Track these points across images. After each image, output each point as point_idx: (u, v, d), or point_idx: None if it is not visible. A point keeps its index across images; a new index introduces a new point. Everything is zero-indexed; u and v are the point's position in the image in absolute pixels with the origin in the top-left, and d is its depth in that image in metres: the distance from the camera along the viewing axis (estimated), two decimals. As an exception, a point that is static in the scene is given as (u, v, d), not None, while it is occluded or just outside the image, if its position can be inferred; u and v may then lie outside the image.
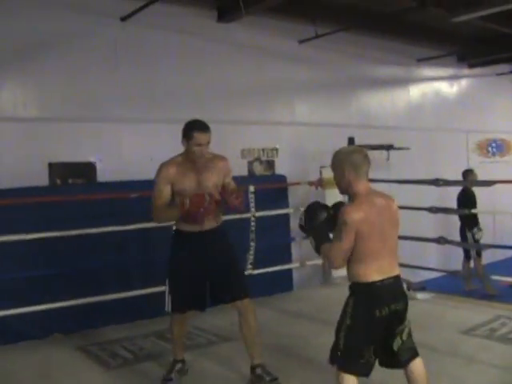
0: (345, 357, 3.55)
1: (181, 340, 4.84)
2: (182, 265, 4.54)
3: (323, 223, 3.75)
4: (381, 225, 3.50)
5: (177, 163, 4.50)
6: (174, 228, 4.71)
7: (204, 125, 4.42)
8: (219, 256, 4.55)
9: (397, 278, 3.59)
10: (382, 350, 3.59)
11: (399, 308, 3.55)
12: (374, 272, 3.49)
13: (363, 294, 3.54)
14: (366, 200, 3.53)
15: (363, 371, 3.55)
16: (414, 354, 3.65)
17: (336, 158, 3.66)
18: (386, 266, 3.53)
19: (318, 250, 3.75)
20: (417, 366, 3.64)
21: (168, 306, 4.64)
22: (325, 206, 3.86)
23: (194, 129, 4.39)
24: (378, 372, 3.63)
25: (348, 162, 3.55)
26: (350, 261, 3.55)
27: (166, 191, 4.45)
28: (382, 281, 3.50)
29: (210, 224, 4.49)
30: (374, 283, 3.49)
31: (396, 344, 3.56)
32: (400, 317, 3.57)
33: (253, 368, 4.62)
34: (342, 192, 3.71)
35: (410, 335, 3.63)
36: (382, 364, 3.65)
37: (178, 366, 4.80)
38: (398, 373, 3.67)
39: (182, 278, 4.54)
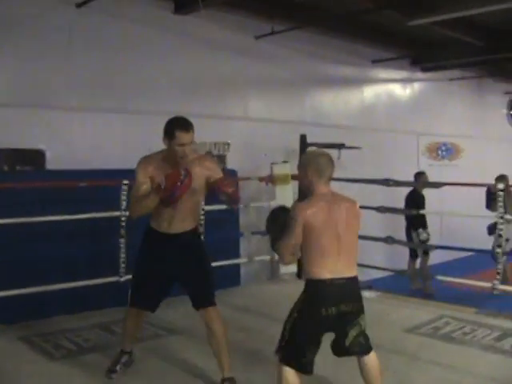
0: (287, 350, 3.66)
1: (132, 333, 4.73)
2: (146, 263, 4.44)
3: (281, 223, 3.76)
4: (334, 225, 3.59)
5: (157, 160, 4.26)
6: (149, 224, 4.47)
7: (187, 123, 4.15)
8: (184, 261, 4.38)
9: (351, 280, 3.64)
10: (334, 343, 3.75)
11: (349, 309, 3.60)
12: (325, 270, 3.56)
13: (312, 291, 3.63)
14: (320, 199, 3.64)
15: (304, 369, 3.64)
16: (367, 350, 3.76)
17: (303, 158, 3.87)
18: (339, 266, 3.58)
19: (273, 247, 3.83)
20: (370, 359, 3.77)
21: (128, 301, 4.57)
22: (286, 209, 3.88)
23: (176, 127, 4.11)
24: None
25: (313, 163, 3.70)
26: (303, 258, 3.66)
27: (144, 187, 4.18)
28: (331, 280, 3.55)
29: (180, 226, 4.33)
30: (323, 281, 3.56)
31: (347, 341, 3.67)
32: (350, 318, 3.64)
33: (222, 380, 4.41)
34: (304, 191, 3.79)
35: (361, 333, 3.71)
36: (334, 353, 3.81)
37: (125, 357, 4.71)
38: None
39: (145, 276, 4.44)
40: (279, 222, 3.79)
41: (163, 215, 4.28)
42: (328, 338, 3.74)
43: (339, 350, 3.76)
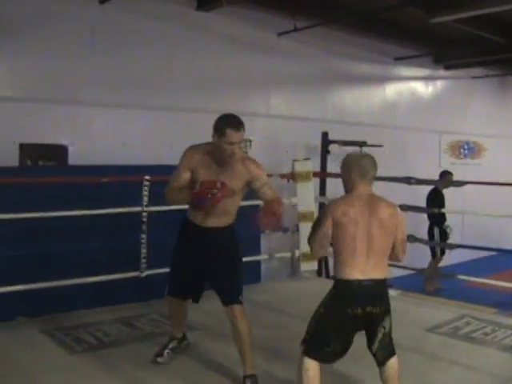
0: (310, 342, 3.72)
1: (177, 320, 4.83)
2: (181, 254, 4.50)
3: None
4: (366, 225, 3.61)
5: (204, 151, 4.26)
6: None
7: (238, 122, 4.14)
8: (214, 257, 4.39)
9: (379, 282, 3.64)
10: (367, 344, 3.77)
11: (375, 312, 3.62)
12: (353, 271, 3.59)
13: (339, 290, 3.68)
14: (356, 198, 3.70)
15: (326, 358, 3.70)
16: (390, 354, 3.78)
17: (346, 160, 3.87)
18: (368, 268, 3.60)
19: (308, 240, 3.86)
20: (391, 364, 3.78)
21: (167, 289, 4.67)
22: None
23: (227, 125, 4.09)
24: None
25: (356, 165, 3.78)
26: (334, 256, 3.70)
27: (184, 177, 4.26)
28: (359, 281, 3.58)
29: (215, 222, 4.35)
30: (350, 282, 3.60)
31: (374, 344, 3.71)
32: (376, 320, 3.66)
33: (244, 377, 4.39)
34: (347, 191, 3.83)
35: (387, 336, 3.73)
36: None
37: (173, 343, 4.84)
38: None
39: (179, 266, 4.52)
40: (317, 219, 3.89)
41: (198, 209, 4.31)
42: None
43: (370, 351, 3.79)
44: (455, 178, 9.25)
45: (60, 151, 6.67)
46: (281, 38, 8.69)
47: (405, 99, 11.15)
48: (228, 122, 4.12)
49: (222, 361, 4.89)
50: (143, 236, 6.36)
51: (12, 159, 6.33)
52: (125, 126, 7.13)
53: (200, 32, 7.86)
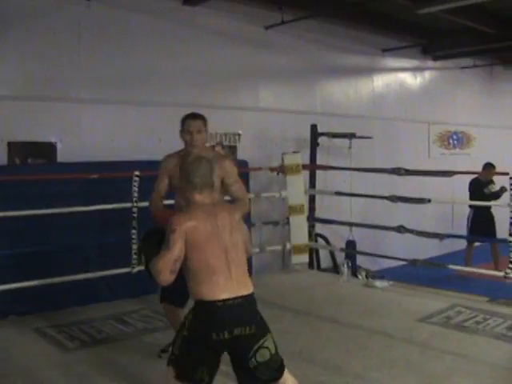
0: (178, 367, 3.23)
1: (177, 322, 4.64)
2: None
3: (155, 243, 3.49)
4: (219, 237, 3.25)
5: (178, 157, 4.44)
6: None
7: (194, 113, 4.44)
8: None
9: (247, 298, 3.23)
10: (237, 367, 3.28)
11: (245, 333, 3.15)
12: (214, 290, 3.15)
13: (201, 313, 3.19)
14: (199, 210, 3.32)
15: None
16: (278, 376, 3.28)
17: (183, 169, 3.52)
18: (231, 284, 3.19)
19: (147, 266, 3.50)
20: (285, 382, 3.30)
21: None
22: (161, 231, 3.51)
23: (185, 117, 4.41)
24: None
25: (188, 176, 3.40)
26: (189, 279, 3.27)
27: (163, 184, 4.53)
28: (224, 301, 3.13)
29: None
30: (212, 303, 3.14)
31: (251, 363, 3.19)
32: (248, 342, 3.18)
33: None
34: (186, 202, 3.50)
35: (272, 358, 3.23)
36: (237, 376, 3.30)
37: None
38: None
39: None
40: (152, 240, 3.60)
41: None
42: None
43: (244, 374, 3.26)
44: (445, 168, 9.27)
45: (49, 149, 6.65)
46: (268, 32, 8.68)
47: (393, 90, 11.16)
48: (186, 115, 4.43)
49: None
50: (134, 232, 6.34)
51: (0, 158, 6.30)
52: (113, 122, 7.11)
53: (187, 26, 7.84)
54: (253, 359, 3.16)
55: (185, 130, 4.38)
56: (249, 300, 3.24)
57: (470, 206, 9.68)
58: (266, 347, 3.20)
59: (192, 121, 4.37)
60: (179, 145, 7.28)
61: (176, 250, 3.16)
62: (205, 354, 3.16)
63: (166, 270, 3.19)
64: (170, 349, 3.34)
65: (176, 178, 4.33)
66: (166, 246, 3.18)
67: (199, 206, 3.33)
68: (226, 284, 3.16)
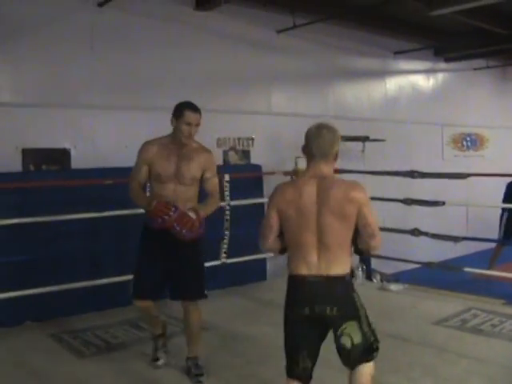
0: (286, 359, 3.30)
1: (152, 318, 4.86)
2: (143, 255, 4.54)
3: None
4: (315, 213, 3.15)
5: (160, 144, 4.45)
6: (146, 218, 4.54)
7: (195, 106, 4.42)
8: (180, 256, 4.44)
9: (331, 279, 3.14)
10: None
11: (326, 313, 3.13)
12: (299, 265, 3.18)
13: (289, 288, 3.26)
14: (304, 182, 3.26)
15: (294, 376, 3.27)
16: (360, 359, 3.22)
17: (305, 134, 3.47)
18: (319, 262, 3.15)
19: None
20: (357, 377, 3.23)
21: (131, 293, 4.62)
22: None
23: (185, 107, 4.38)
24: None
25: (308, 142, 3.38)
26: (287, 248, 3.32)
27: (142, 172, 4.44)
28: (305, 276, 3.16)
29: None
30: (295, 277, 3.20)
31: (338, 346, 3.20)
32: (332, 324, 3.18)
33: (187, 358, 4.69)
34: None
35: (361, 343, 3.17)
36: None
37: (160, 341, 4.88)
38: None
39: (142, 266, 4.53)
40: None
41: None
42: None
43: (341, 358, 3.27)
44: (459, 170, 9.23)
45: (62, 155, 6.67)
46: (280, 35, 8.67)
47: (406, 93, 11.12)
48: (186, 105, 4.41)
49: (231, 359, 4.90)
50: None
51: (15, 164, 6.33)
52: (127, 128, 7.12)
53: (199, 31, 7.85)
54: (339, 342, 3.17)
55: (183, 121, 4.35)
56: (334, 281, 3.15)
57: (503, 209, 9.59)
58: (348, 334, 3.15)
59: (193, 113, 4.37)
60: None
61: (269, 220, 3.28)
62: (296, 335, 3.22)
63: (262, 234, 3.33)
64: None
65: (157, 166, 4.37)
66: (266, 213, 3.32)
67: (310, 177, 3.26)
68: (312, 261, 3.15)
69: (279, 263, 8.28)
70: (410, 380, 4.40)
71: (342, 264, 3.17)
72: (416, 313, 6.24)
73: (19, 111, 6.41)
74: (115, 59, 7.03)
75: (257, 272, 7.95)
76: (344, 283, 3.19)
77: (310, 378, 3.30)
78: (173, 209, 4.18)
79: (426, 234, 7.33)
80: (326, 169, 3.29)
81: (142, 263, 4.54)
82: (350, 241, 3.22)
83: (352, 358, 3.20)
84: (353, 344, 3.15)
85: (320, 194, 3.17)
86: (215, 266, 7.04)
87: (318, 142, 3.31)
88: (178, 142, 4.41)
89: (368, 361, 3.21)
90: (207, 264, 6.90)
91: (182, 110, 4.37)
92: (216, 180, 4.61)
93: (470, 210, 11.41)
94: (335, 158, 3.37)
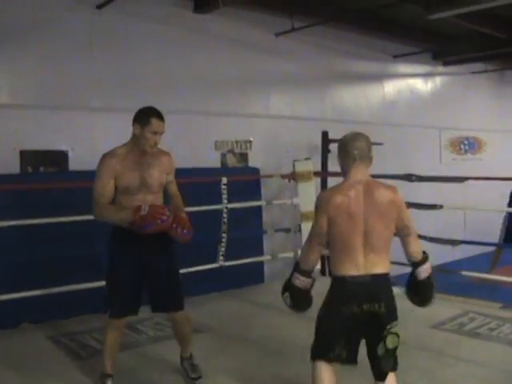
0: (316, 346, 3.49)
1: (114, 350, 4.45)
2: (121, 265, 4.21)
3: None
4: (362, 217, 3.36)
5: (121, 155, 4.16)
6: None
7: (161, 113, 4.18)
8: (158, 260, 4.23)
9: (378, 277, 3.37)
10: (370, 353, 3.44)
11: (375, 310, 3.33)
12: (348, 266, 3.35)
13: (335, 288, 3.45)
14: (349, 187, 3.43)
15: (334, 359, 3.42)
16: (392, 368, 3.46)
17: (340, 142, 3.61)
18: (365, 262, 3.35)
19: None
20: (391, 380, 3.46)
21: (108, 312, 4.30)
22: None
23: (151, 115, 4.13)
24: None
25: (349, 146, 3.51)
26: (330, 253, 3.50)
27: (109, 187, 4.11)
28: (354, 277, 3.34)
29: None
30: (344, 278, 3.37)
31: (380, 349, 3.37)
32: (379, 320, 3.35)
33: (182, 358, 4.65)
34: (343, 177, 3.56)
35: (396, 345, 3.38)
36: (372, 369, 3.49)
37: (110, 382, 4.39)
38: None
39: (122, 279, 4.20)
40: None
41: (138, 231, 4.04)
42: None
43: (371, 360, 3.46)
44: (457, 173, 9.24)
45: (60, 157, 6.67)
46: (279, 38, 8.69)
47: (404, 96, 11.14)
48: (152, 112, 4.15)
49: (228, 362, 4.90)
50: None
51: (13, 166, 6.33)
52: (125, 130, 7.05)
53: (198, 34, 7.85)
54: (382, 344, 3.33)
55: (149, 129, 4.09)
56: (379, 279, 3.38)
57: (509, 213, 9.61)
58: (395, 333, 3.35)
59: (160, 121, 4.13)
60: (189, 152, 7.32)
61: (320, 227, 3.42)
62: (339, 328, 3.36)
63: (313, 242, 3.48)
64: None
65: (123, 179, 4.09)
66: (314, 223, 3.47)
67: (354, 182, 3.45)
68: (359, 262, 3.34)
69: (277, 266, 8.31)
70: (407, 383, 4.39)
71: (385, 263, 3.42)
72: (413, 316, 6.21)
73: (17, 113, 6.41)
74: (114, 61, 7.03)
75: (254, 275, 7.95)
76: (388, 281, 3.45)
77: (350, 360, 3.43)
78: (167, 210, 4.03)
79: (423, 237, 7.33)
80: (366, 172, 3.53)
81: (120, 276, 4.21)
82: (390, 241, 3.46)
83: (387, 363, 3.40)
84: (395, 346, 3.37)
85: (366, 197, 3.39)
86: (212, 269, 7.03)
87: (356, 145, 3.50)
88: (138, 150, 4.17)
89: (395, 370, 3.46)
90: (205, 267, 6.95)
91: (149, 117, 4.12)
92: (175, 182, 4.48)
93: (468, 213, 11.41)
94: (371, 161, 3.57)
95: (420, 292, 3.74)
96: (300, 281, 3.63)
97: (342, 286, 3.40)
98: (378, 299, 3.34)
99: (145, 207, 3.95)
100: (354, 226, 3.35)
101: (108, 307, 4.27)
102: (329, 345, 3.41)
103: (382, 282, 3.41)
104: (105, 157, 4.19)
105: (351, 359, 3.42)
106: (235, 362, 4.94)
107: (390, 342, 3.35)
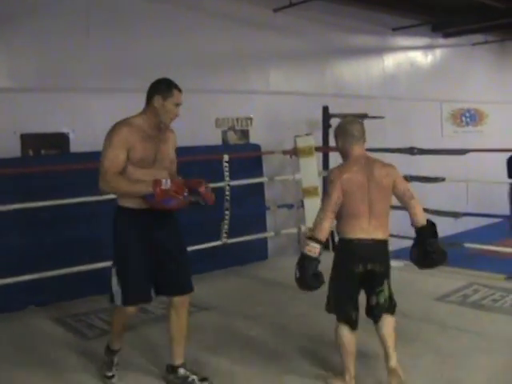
0: (333, 306, 3.99)
1: (125, 327, 4.31)
2: (133, 248, 3.94)
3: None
4: (367, 188, 3.87)
5: (136, 126, 3.93)
6: (119, 204, 4.05)
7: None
8: (169, 241, 4.04)
9: (379, 241, 3.89)
10: (367, 302, 4.01)
11: (376, 269, 3.88)
12: (354, 230, 3.86)
13: (342, 249, 3.98)
14: (353, 163, 3.95)
15: (351, 320, 3.92)
16: (386, 310, 3.97)
17: (337, 128, 4.15)
18: (369, 228, 3.85)
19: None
20: (386, 320, 3.97)
21: (118, 299, 3.99)
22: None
23: (172, 86, 3.96)
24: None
25: (346, 130, 4.04)
26: (338, 220, 3.94)
27: (121, 157, 3.82)
28: (359, 240, 3.85)
29: None
30: (351, 240, 3.87)
31: (372, 301, 3.97)
32: (377, 278, 3.92)
33: (174, 368, 4.19)
34: (343, 157, 4.09)
35: (388, 298, 3.96)
36: (366, 312, 4.03)
37: (117, 357, 4.32)
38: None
39: (136, 263, 3.94)
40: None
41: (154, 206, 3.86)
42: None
43: (368, 308, 4.02)
44: (458, 146, 9.22)
45: (61, 139, 6.67)
46: (277, 14, 8.63)
47: (404, 69, 11.08)
48: (173, 84, 3.99)
49: (232, 339, 4.93)
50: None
51: (14, 150, 6.33)
52: (125, 110, 6.96)
53: (195, 11, 7.80)
54: (374, 297, 3.94)
55: (172, 100, 3.93)
56: (380, 243, 3.92)
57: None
58: (386, 289, 3.96)
59: (180, 93, 3.98)
60: (190, 130, 7.31)
61: (335, 198, 3.84)
62: (350, 288, 3.93)
63: (328, 211, 3.88)
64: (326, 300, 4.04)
65: (138, 151, 3.85)
66: (327, 194, 3.92)
67: (356, 159, 3.97)
68: (364, 227, 3.85)
69: (280, 242, 8.34)
70: (411, 355, 4.42)
71: (385, 229, 3.95)
72: (417, 289, 6.26)
73: (17, 96, 6.40)
74: (111, 42, 7.00)
75: (257, 251, 7.97)
76: (386, 246, 3.99)
77: (357, 323, 3.95)
78: (185, 188, 3.84)
79: (426, 210, 7.33)
80: (364, 149, 4.08)
81: (135, 260, 3.94)
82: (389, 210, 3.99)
83: (379, 311, 3.94)
84: (385, 299, 3.94)
85: (367, 171, 3.91)
86: (216, 247, 7.05)
87: (355, 127, 4.06)
88: (154, 124, 3.98)
89: (392, 314, 3.98)
90: (208, 245, 6.97)
91: (171, 88, 3.94)
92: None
93: (470, 185, 11.40)
94: (365, 142, 4.12)
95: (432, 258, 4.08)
96: (310, 247, 3.88)
97: (349, 247, 3.90)
98: (379, 260, 3.91)
99: (166, 181, 3.76)
100: (361, 195, 3.85)
101: (122, 294, 3.95)
102: (341, 305, 3.93)
103: (382, 245, 3.94)
104: (119, 125, 3.92)
105: (357, 323, 3.95)
106: (240, 338, 4.97)
107: (381, 297, 3.93)
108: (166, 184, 3.75)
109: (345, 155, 4.06)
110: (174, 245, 4.09)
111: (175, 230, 4.12)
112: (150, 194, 3.75)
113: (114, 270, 4.03)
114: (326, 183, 4.03)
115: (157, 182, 3.73)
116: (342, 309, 3.92)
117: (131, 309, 4.05)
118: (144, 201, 3.83)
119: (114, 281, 4.00)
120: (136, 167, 3.86)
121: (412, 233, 4.16)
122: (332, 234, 8.45)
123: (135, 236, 3.94)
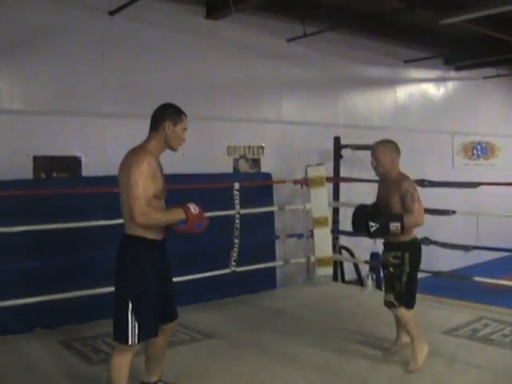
0: (408, 299, 4.91)
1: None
2: (151, 281, 3.83)
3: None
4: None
5: (154, 154, 3.88)
6: (128, 233, 3.96)
7: None
8: (168, 268, 4.05)
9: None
10: None
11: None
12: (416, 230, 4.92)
13: (416, 248, 4.94)
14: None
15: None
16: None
17: (387, 146, 4.94)
18: None
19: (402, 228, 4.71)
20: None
21: (135, 337, 3.79)
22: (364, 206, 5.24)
23: (181, 111, 3.95)
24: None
25: (396, 150, 4.90)
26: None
27: (151, 189, 3.73)
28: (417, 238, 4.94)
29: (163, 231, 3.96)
30: (417, 239, 4.98)
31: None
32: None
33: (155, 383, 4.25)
34: (380, 174, 4.95)
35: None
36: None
37: None
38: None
39: (154, 296, 3.85)
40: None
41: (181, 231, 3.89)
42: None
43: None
44: (469, 179, 9.20)
45: (73, 163, 6.71)
46: (290, 44, 8.71)
47: (416, 101, 11.13)
48: (179, 109, 3.98)
49: (239, 368, 4.89)
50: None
51: (26, 172, 6.37)
52: (137, 135, 7.04)
53: (210, 40, 7.89)
54: None
55: (181, 126, 3.92)
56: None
57: None
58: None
59: (187, 119, 3.97)
60: (202, 158, 7.34)
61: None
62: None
63: (423, 215, 4.81)
64: (391, 295, 4.95)
65: (159, 181, 3.82)
66: (417, 200, 4.76)
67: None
68: None
69: (289, 271, 8.32)
70: (420, 389, 4.38)
71: None
72: (426, 322, 6.19)
73: (30, 119, 6.46)
74: (126, 68, 7.07)
75: (266, 280, 7.95)
76: None
77: None
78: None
79: (435, 243, 7.31)
80: None
81: (152, 292, 3.83)
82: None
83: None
84: None
85: None
86: (225, 275, 7.04)
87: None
88: (162, 150, 3.97)
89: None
90: (217, 272, 6.96)
91: (180, 113, 3.94)
92: None
93: (481, 218, 11.35)
94: None
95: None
96: (394, 226, 4.71)
97: (419, 247, 4.98)
98: None
99: (195, 206, 3.80)
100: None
101: (139, 331, 3.79)
102: (415, 295, 5.04)
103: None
104: (144, 155, 3.79)
105: None
106: (246, 368, 4.93)
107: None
108: (195, 209, 3.80)
109: (390, 171, 4.82)
110: (170, 272, 4.11)
111: (167, 257, 4.09)
112: (182, 220, 3.77)
113: (129, 306, 3.81)
114: (412, 190, 4.73)
115: (188, 208, 3.78)
116: (414, 298, 4.96)
117: (138, 346, 3.91)
118: (173, 228, 3.86)
119: (130, 317, 3.80)
120: (156, 198, 3.80)
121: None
122: (342, 265, 8.50)
123: (153, 267, 3.86)
